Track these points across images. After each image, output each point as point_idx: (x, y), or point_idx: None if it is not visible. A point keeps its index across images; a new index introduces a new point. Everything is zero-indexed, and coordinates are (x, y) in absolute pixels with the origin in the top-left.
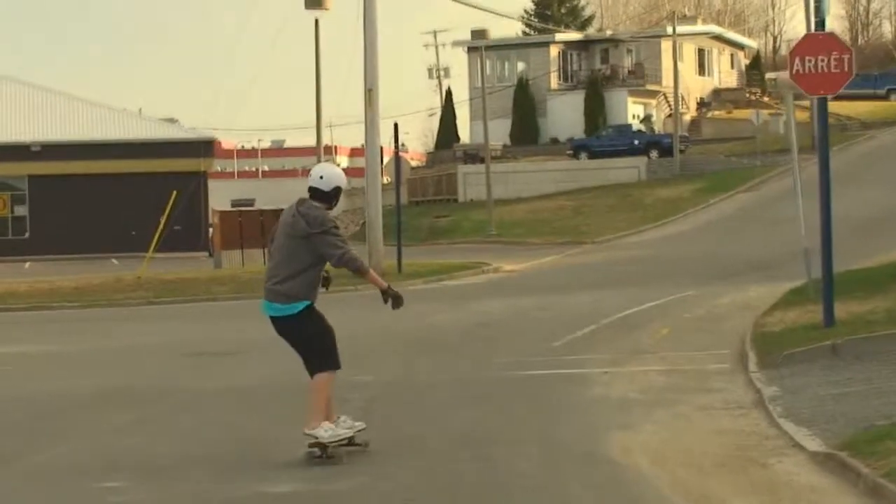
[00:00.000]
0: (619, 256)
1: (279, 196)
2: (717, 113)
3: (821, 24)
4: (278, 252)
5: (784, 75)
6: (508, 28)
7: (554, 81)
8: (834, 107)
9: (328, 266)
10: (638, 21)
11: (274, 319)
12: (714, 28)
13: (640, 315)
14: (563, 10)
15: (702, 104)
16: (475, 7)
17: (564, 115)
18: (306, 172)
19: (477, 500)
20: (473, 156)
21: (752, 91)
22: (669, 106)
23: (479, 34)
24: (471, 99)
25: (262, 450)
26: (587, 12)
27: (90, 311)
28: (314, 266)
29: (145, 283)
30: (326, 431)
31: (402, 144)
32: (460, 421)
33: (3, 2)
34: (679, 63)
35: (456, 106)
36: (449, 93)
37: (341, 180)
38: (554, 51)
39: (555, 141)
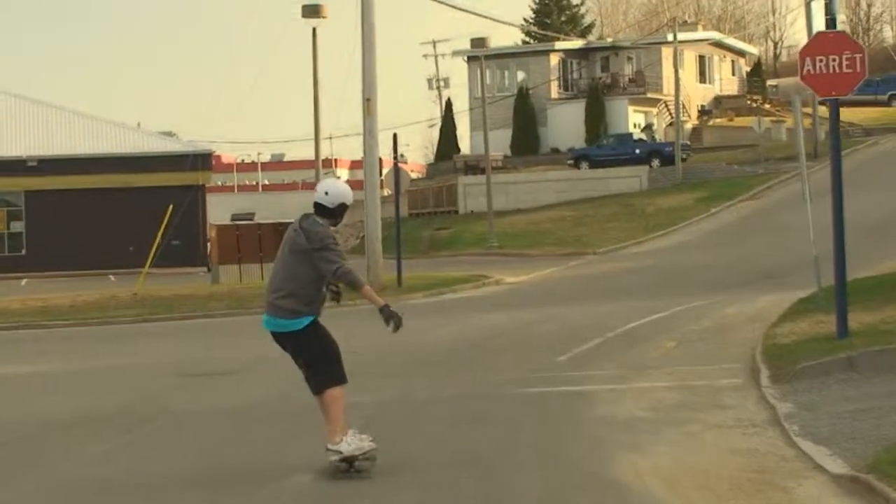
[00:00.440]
0: (622, 267)
1: (279, 210)
2: (718, 120)
3: (832, 22)
4: (281, 266)
5: (787, 81)
6: (508, 38)
7: (554, 90)
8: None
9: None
10: (638, 28)
11: (276, 335)
12: (714, 35)
13: (645, 327)
14: (562, 19)
15: (703, 112)
16: (475, 14)
17: (565, 124)
18: (306, 186)
19: None
20: (474, 166)
21: (753, 98)
22: (670, 114)
23: (478, 43)
24: (471, 109)
25: (250, 477)
26: (587, 20)
27: (83, 329)
28: (316, 281)
29: (141, 299)
30: (350, 445)
31: (402, 155)
32: (461, 441)
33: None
34: (680, 70)
35: (456, 116)
36: (449, 103)
37: (346, 197)
38: (554, 59)
39: (555, 150)
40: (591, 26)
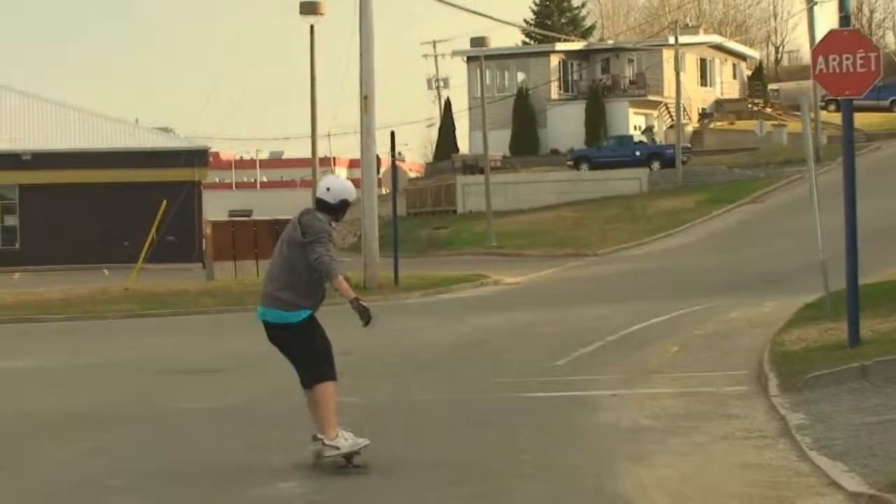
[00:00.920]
0: (622, 269)
1: (277, 207)
2: (719, 124)
3: (845, 20)
4: (279, 259)
5: (789, 85)
6: (508, 38)
7: (554, 91)
8: (838, 118)
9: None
10: (639, 31)
11: (271, 326)
12: (716, 38)
13: (647, 331)
14: (563, 20)
15: (704, 115)
16: (475, 13)
17: (565, 125)
18: (305, 183)
19: None
20: (472, 166)
21: (754, 102)
22: (671, 116)
23: (478, 42)
24: (470, 109)
25: (232, 482)
26: (588, 23)
27: (75, 323)
28: (314, 274)
29: (133, 294)
30: (347, 440)
31: (399, 153)
32: (457, 450)
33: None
34: (681, 73)
35: (455, 117)
36: (448, 103)
37: (348, 193)
38: (554, 60)
39: (555, 152)
40: (591, 28)
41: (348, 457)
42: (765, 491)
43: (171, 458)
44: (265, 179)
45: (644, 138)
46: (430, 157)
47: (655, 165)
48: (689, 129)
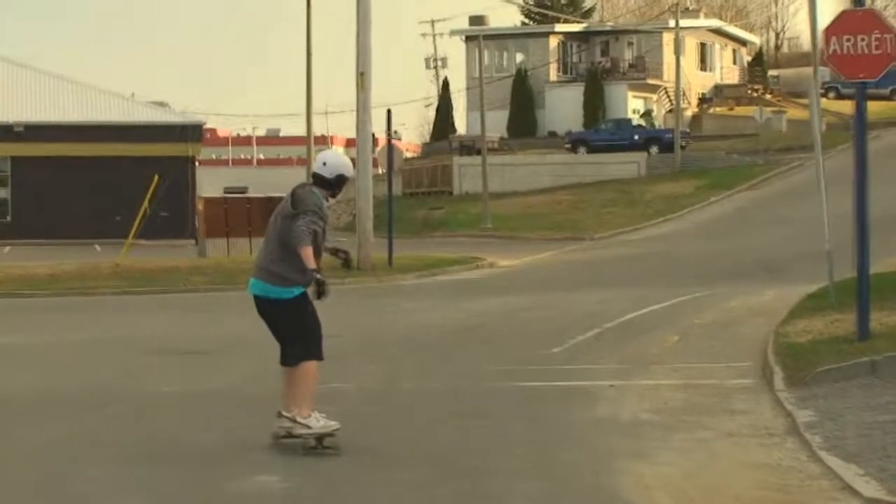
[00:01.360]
0: (619, 254)
1: (273, 185)
2: (718, 109)
3: (858, 0)
4: (273, 233)
5: (789, 72)
6: (507, 20)
7: (553, 73)
8: (837, 106)
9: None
10: (639, 14)
11: (261, 300)
12: (716, 22)
13: (645, 319)
14: (563, 2)
15: (703, 100)
16: None
17: (563, 107)
18: (301, 161)
19: None
20: (469, 147)
21: (754, 88)
22: (670, 101)
23: (477, 21)
24: (468, 89)
25: (209, 474)
26: (587, 4)
27: (61, 299)
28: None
29: (123, 271)
30: (318, 421)
31: (396, 132)
32: (447, 444)
33: None
34: (681, 57)
35: (453, 97)
36: (446, 83)
37: (345, 168)
38: (553, 42)
39: (553, 134)
40: (591, 10)
41: (319, 438)
42: (774, 494)
43: (149, 446)
44: (262, 157)
45: (643, 122)
46: (427, 138)
47: (654, 150)
48: (688, 114)
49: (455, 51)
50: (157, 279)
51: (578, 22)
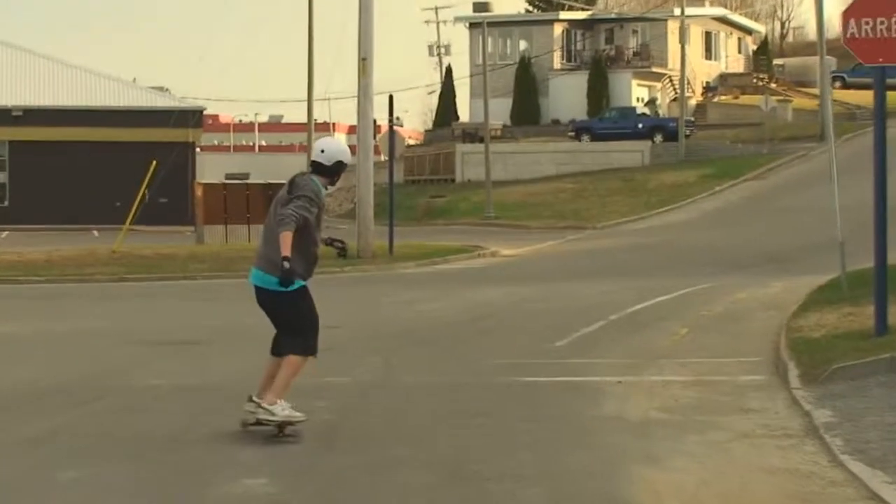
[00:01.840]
0: (624, 243)
1: (275, 171)
2: (723, 98)
3: None
4: (273, 222)
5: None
6: (511, 7)
7: (557, 61)
8: (842, 95)
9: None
10: (643, 2)
11: (260, 290)
12: (722, 10)
13: (652, 310)
14: None
15: (708, 88)
16: None
17: (567, 95)
18: (303, 148)
19: None
20: (472, 135)
21: (759, 77)
22: (675, 89)
23: (481, 7)
24: (471, 76)
25: (193, 476)
26: None
27: (56, 286)
28: (303, 236)
29: (120, 257)
30: (284, 410)
31: (397, 118)
32: (447, 444)
33: None
34: (686, 46)
35: (456, 84)
36: (449, 70)
37: (344, 154)
38: (558, 29)
39: (556, 122)
40: None
41: (281, 426)
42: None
43: (133, 445)
44: (264, 143)
45: (647, 110)
46: (430, 125)
47: (658, 138)
48: (693, 102)
49: (459, 38)
50: (154, 266)
51: (583, 9)
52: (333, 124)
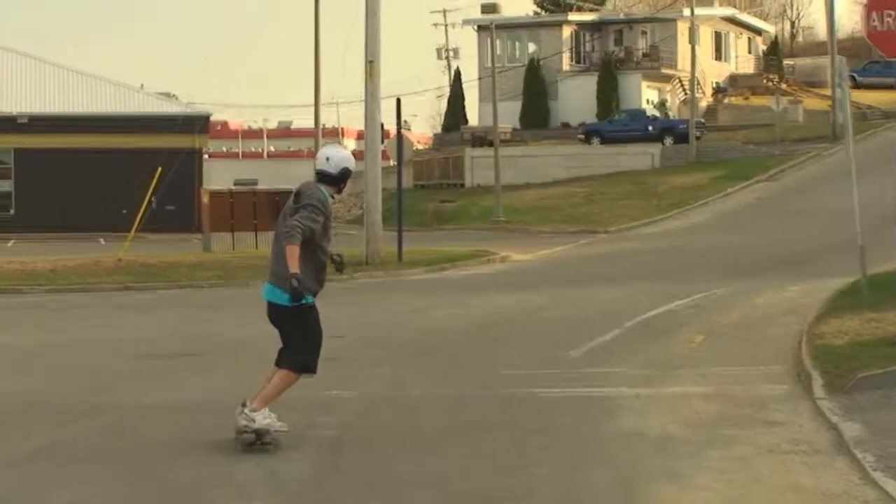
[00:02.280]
0: (636, 247)
1: (285, 178)
2: (733, 99)
3: None
4: (281, 233)
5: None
6: (519, 10)
7: (566, 63)
8: (852, 95)
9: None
10: (652, 3)
11: (270, 304)
12: (731, 10)
13: (667, 317)
14: None
15: (718, 90)
16: None
17: (576, 98)
18: (312, 154)
19: None
20: (481, 138)
21: (769, 77)
22: (684, 90)
23: (489, 8)
24: (480, 79)
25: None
26: None
27: (60, 295)
28: (310, 245)
29: (125, 265)
30: (265, 419)
31: (405, 122)
32: (455, 461)
33: None
34: (696, 46)
35: (465, 88)
36: (458, 73)
37: (349, 161)
38: (566, 31)
39: (566, 125)
40: (604, 0)
41: (259, 433)
42: None
43: (124, 466)
44: (272, 149)
45: (657, 112)
46: (439, 129)
47: (668, 140)
48: (703, 104)
49: (467, 41)
50: (159, 274)
51: (593, 9)
52: (342, 129)
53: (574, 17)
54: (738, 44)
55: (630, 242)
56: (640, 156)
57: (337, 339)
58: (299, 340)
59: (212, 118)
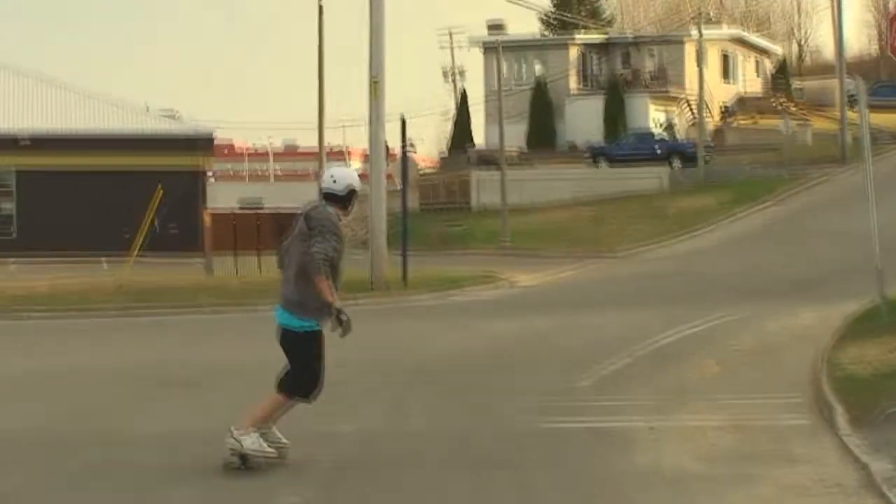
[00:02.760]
0: (645, 271)
1: (290, 199)
2: (741, 121)
3: None
4: (291, 262)
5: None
6: (527, 28)
7: (573, 84)
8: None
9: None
10: (659, 26)
11: (280, 328)
12: (739, 31)
13: (679, 344)
14: (582, 13)
15: (726, 111)
16: None
17: (583, 119)
18: (317, 175)
19: None
20: (488, 160)
21: (778, 99)
22: (692, 112)
23: (496, 27)
24: (486, 100)
25: None
26: (607, 15)
27: (58, 321)
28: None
29: (125, 288)
30: (253, 444)
31: (411, 144)
32: (459, 502)
33: None
34: (703, 68)
35: (471, 109)
36: (464, 94)
37: (355, 180)
38: (573, 52)
39: (573, 146)
40: (611, 21)
41: (244, 457)
42: None
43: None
44: (278, 169)
45: (665, 134)
46: (445, 151)
47: (676, 163)
48: (711, 125)
49: (473, 62)
50: (160, 298)
51: (600, 29)
52: (348, 150)
53: (581, 37)
54: (745, 65)
55: (638, 266)
56: (648, 178)
57: (338, 369)
58: (304, 370)
59: (216, 137)
